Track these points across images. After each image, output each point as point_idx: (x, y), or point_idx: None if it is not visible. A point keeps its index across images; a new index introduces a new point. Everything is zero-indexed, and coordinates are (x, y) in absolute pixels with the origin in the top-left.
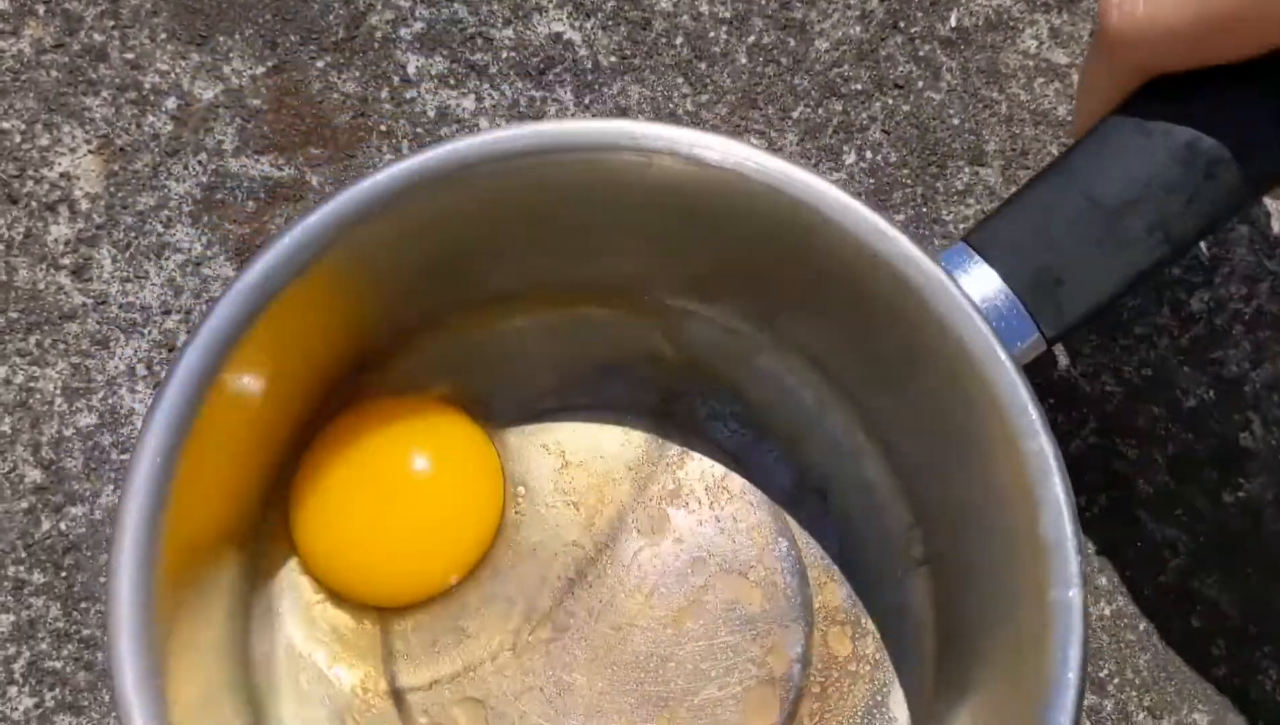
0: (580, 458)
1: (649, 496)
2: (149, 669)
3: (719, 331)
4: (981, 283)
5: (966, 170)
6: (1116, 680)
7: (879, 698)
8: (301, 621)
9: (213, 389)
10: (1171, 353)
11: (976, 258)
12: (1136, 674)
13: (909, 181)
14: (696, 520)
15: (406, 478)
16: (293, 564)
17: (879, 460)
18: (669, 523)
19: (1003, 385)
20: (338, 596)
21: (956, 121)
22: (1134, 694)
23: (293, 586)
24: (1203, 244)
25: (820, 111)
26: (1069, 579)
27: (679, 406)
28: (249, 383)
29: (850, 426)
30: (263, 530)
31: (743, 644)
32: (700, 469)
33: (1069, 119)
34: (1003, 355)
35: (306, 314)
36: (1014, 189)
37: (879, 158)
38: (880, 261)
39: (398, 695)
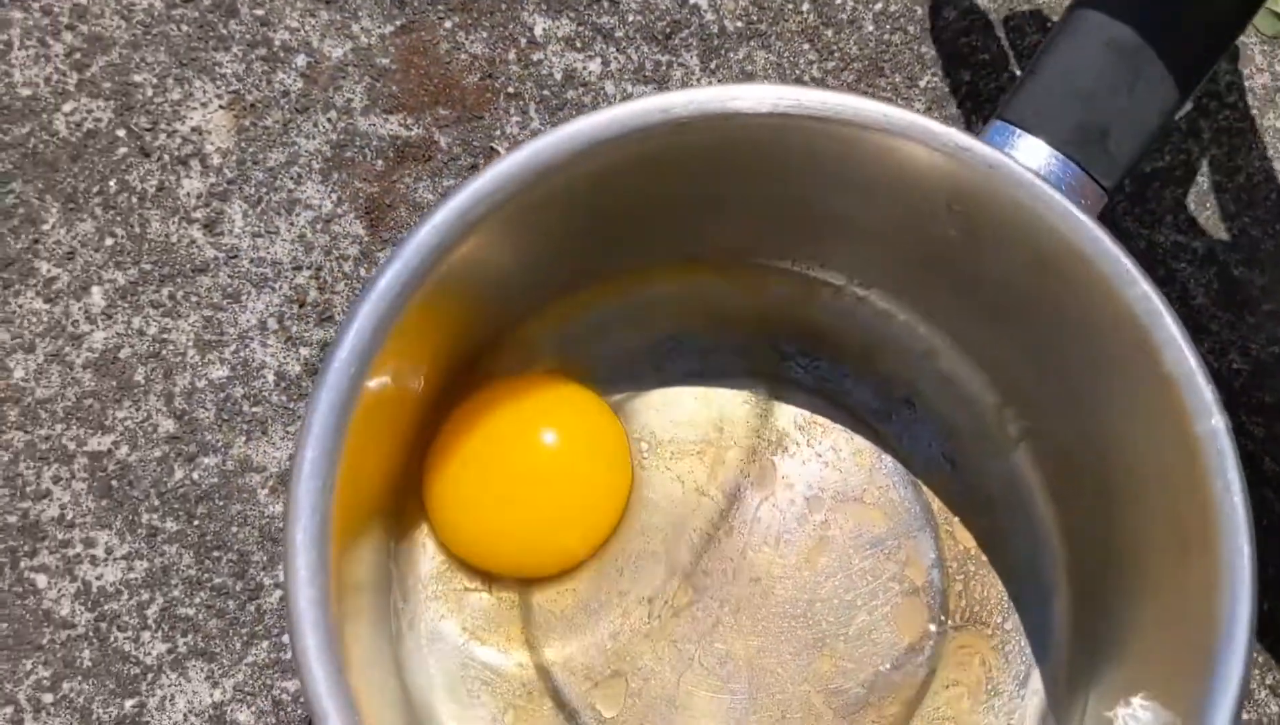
0: (684, 420)
1: (753, 450)
2: (328, 637)
3: (800, 282)
4: (1032, 153)
5: None
6: None
7: (1024, 568)
8: (442, 601)
9: (383, 350)
10: None
11: (1019, 131)
12: (1260, 653)
13: None
14: (800, 462)
15: (539, 451)
16: (431, 546)
17: (953, 353)
18: (776, 471)
19: (1086, 241)
20: (476, 573)
21: None
22: (1256, 673)
23: (434, 568)
24: None
25: (948, 81)
26: (1209, 409)
27: (761, 358)
28: (411, 346)
29: (916, 327)
30: (403, 510)
31: (878, 565)
32: (791, 413)
33: (1198, 93)
34: (1079, 213)
35: (463, 278)
36: (1144, 165)
37: None
38: (938, 153)
39: (543, 671)
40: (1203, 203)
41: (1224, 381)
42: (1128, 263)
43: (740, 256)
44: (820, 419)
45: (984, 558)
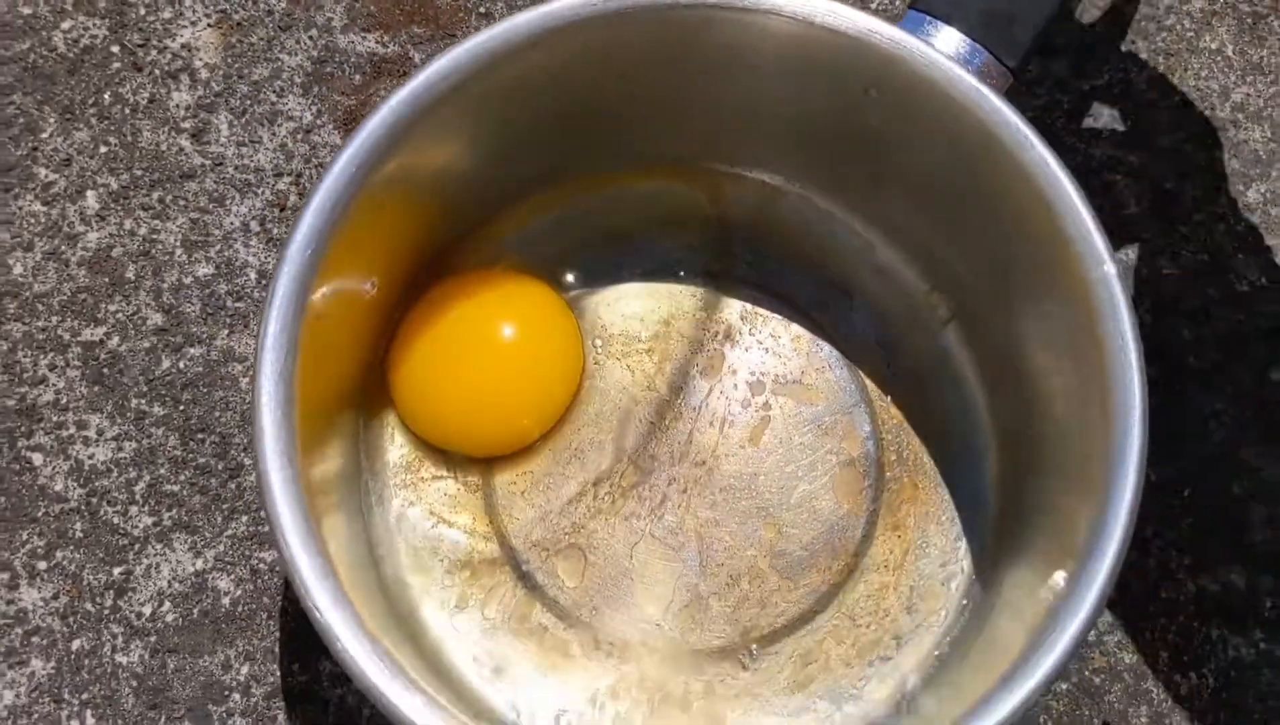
0: (635, 315)
1: (700, 342)
2: (300, 507)
3: (747, 184)
4: (944, 40)
5: (1035, 62)
6: (1159, 541)
7: (955, 439)
8: (410, 489)
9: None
10: (1228, 240)
11: (930, 19)
12: (1180, 534)
13: None
14: (743, 349)
15: (495, 337)
16: (399, 437)
17: (886, 246)
18: (724, 360)
19: (989, 112)
20: (440, 459)
21: None
22: (1174, 553)
23: (401, 458)
24: (1260, 134)
25: None
26: (1100, 256)
27: (711, 257)
28: (370, 233)
29: (853, 222)
30: (370, 398)
31: (817, 440)
32: (737, 307)
33: (1138, 17)
34: (983, 87)
35: (421, 168)
36: (1083, 82)
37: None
38: (851, 38)
39: (505, 546)
40: (1139, 119)
41: (1154, 287)
42: (1027, 130)
43: (691, 161)
44: (762, 310)
45: (915, 430)
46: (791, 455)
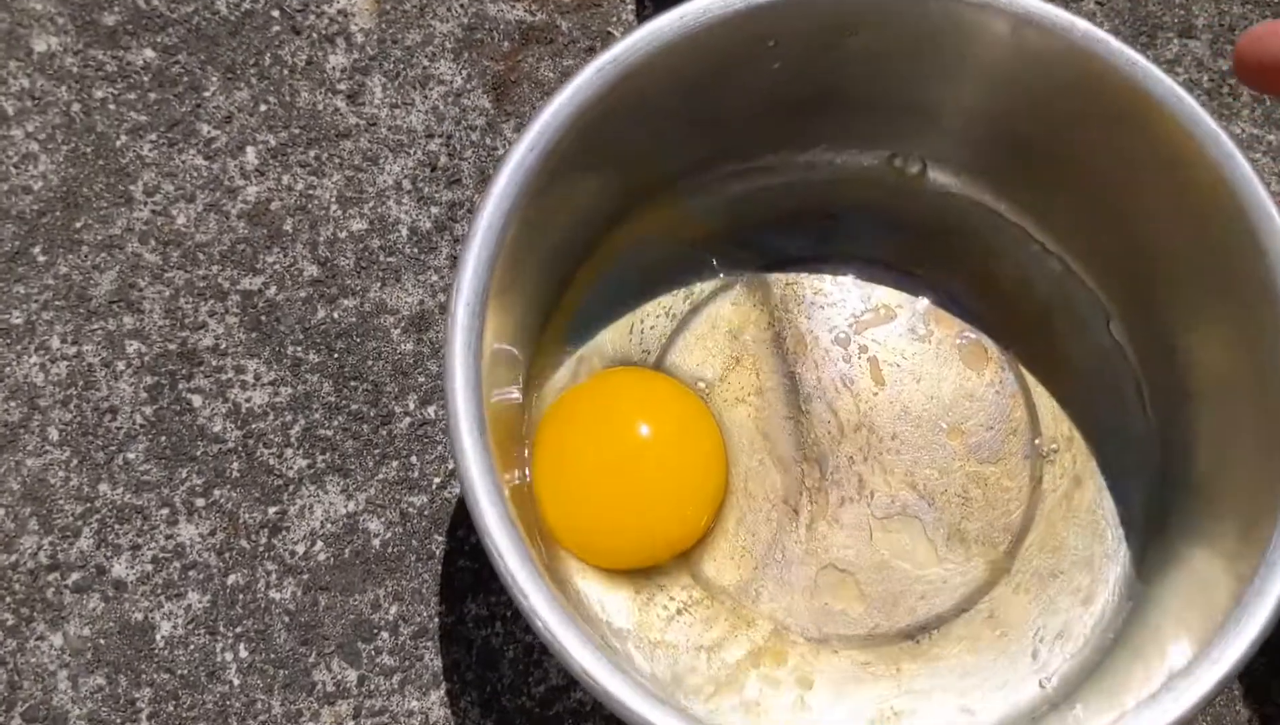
0: (711, 350)
1: (774, 332)
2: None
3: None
4: None
5: (1176, 42)
6: None
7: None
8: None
9: (537, 181)
10: None
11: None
12: None
13: None
14: (806, 316)
15: (641, 452)
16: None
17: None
18: (800, 333)
19: (1195, 125)
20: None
21: None
22: None
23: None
24: None
25: None
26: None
27: (721, 255)
28: (559, 178)
29: (999, 208)
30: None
31: (919, 344)
32: (775, 284)
33: None
34: (1188, 97)
35: (605, 132)
36: (1222, 62)
37: None
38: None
39: (776, 627)
40: (1278, 99)
41: None
42: (1234, 149)
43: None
44: (803, 277)
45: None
46: (914, 368)
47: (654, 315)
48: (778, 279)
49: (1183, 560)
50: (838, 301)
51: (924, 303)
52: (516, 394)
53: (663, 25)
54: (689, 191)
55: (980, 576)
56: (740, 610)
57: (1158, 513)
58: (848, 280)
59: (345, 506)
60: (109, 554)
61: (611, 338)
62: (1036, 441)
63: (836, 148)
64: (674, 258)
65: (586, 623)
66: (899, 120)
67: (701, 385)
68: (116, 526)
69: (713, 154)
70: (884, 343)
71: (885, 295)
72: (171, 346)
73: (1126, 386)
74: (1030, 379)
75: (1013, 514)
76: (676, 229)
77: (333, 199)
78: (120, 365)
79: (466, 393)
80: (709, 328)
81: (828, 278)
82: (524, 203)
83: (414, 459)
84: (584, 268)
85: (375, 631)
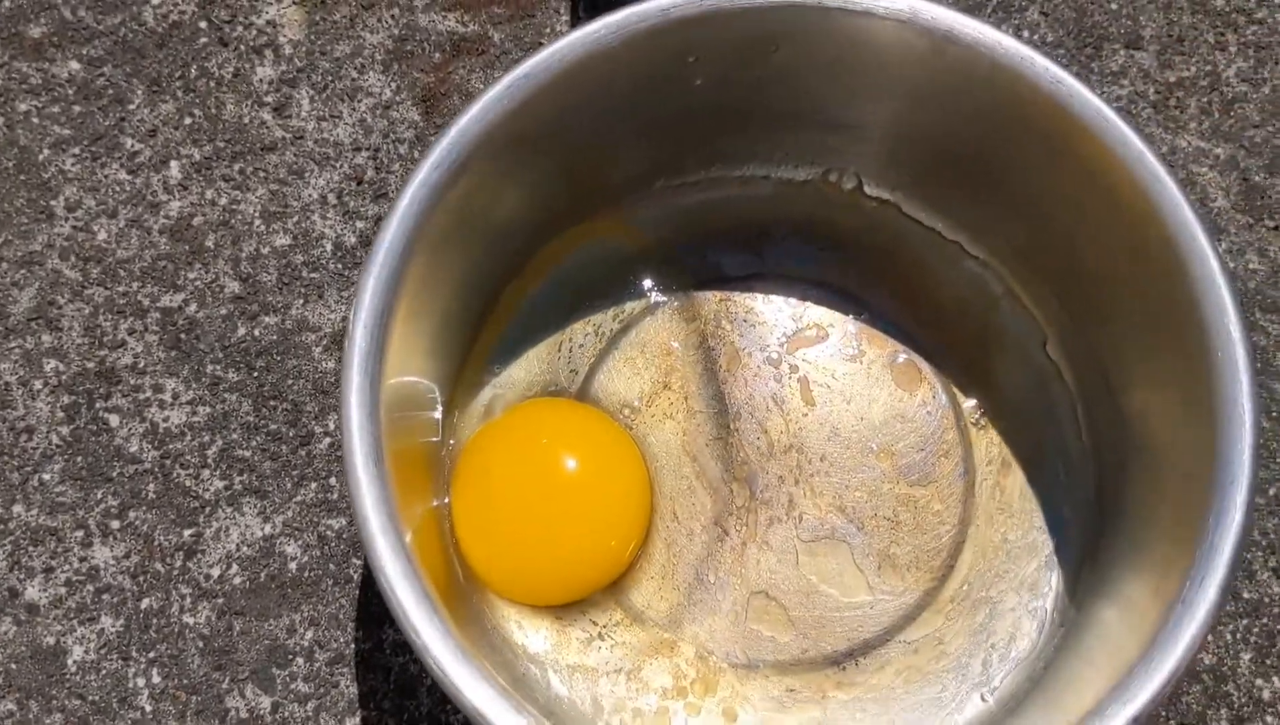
0: (640, 366)
1: (705, 349)
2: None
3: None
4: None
5: (1122, 53)
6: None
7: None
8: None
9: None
10: None
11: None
12: (1265, 534)
13: (1064, 62)
14: (739, 333)
15: (561, 484)
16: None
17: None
18: (735, 349)
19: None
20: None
21: (1115, 6)
22: (1260, 553)
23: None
24: None
25: None
26: (1214, 279)
27: (654, 271)
28: (475, 193)
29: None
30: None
31: (850, 363)
32: (708, 301)
33: (1227, 8)
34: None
35: (523, 149)
36: (1169, 74)
37: (1036, 38)
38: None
39: (700, 651)
40: (1226, 112)
41: (1240, 282)
42: (1155, 162)
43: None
44: (735, 296)
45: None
46: (845, 389)
47: (583, 334)
48: (709, 297)
49: (1114, 584)
50: (770, 320)
51: (857, 322)
52: (432, 418)
53: (575, 41)
54: (618, 209)
55: (910, 602)
56: (665, 636)
57: (1091, 537)
58: (780, 299)
59: (262, 529)
60: (22, 577)
61: (539, 357)
62: (968, 464)
63: (769, 164)
64: (604, 276)
65: (502, 648)
66: (830, 137)
67: (627, 412)
68: (30, 548)
69: (641, 171)
70: (815, 362)
71: (818, 314)
72: (90, 365)
73: (1062, 408)
74: (963, 402)
75: (944, 538)
76: (606, 246)
77: (256, 214)
78: (38, 384)
79: (362, 418)
80: (638, 348)
81: (760, 296)
82: (431, 222)
83: (333, 481)
84: (509, 288)
85: (290, 657)
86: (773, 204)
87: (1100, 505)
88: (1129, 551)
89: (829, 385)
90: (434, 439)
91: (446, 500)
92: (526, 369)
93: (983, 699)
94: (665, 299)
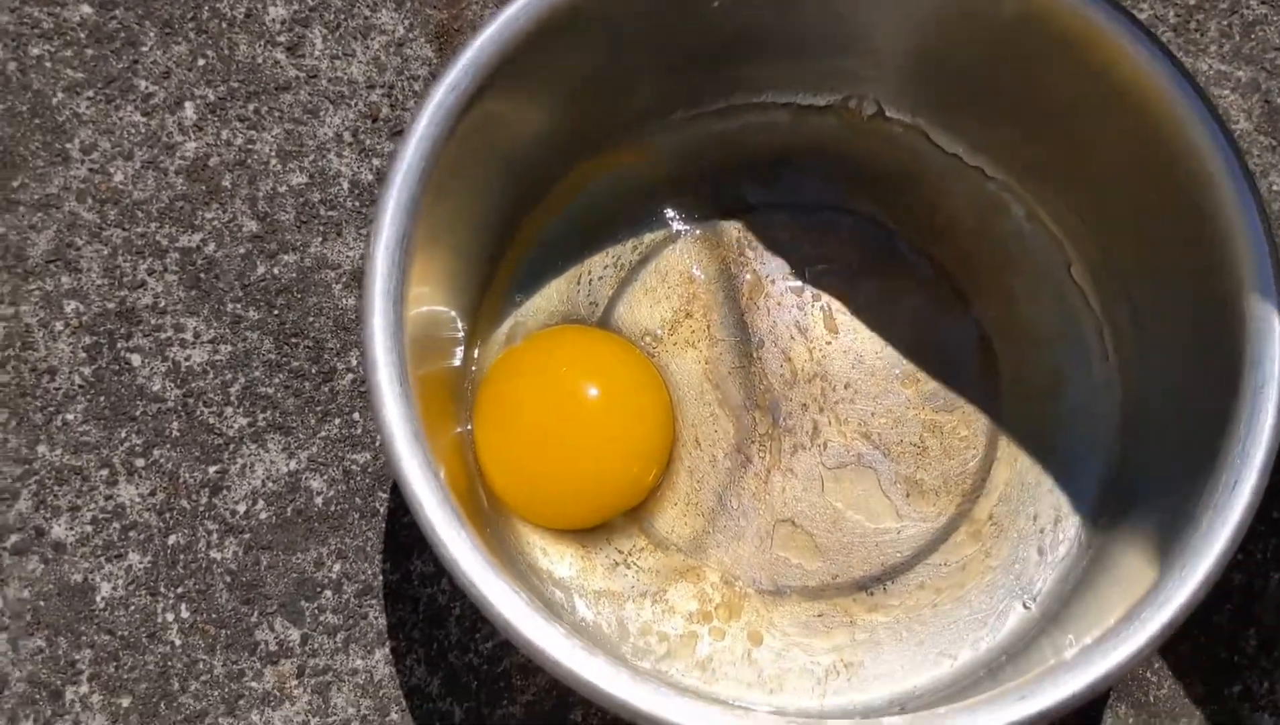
0: (663, 295)
1: (729, 276)
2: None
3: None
4: None
5: None
6: None
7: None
8: (572, 588)
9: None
10: None
11: None
12: None
13: None
14: (762, 261)
15: (584, 410)
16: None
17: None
18: (760, 277)
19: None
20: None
21: None
22: None
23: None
24: None
25: None
26: (1253, 219)
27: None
28: (492, 120)
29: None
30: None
31: (873, 288)
32: (731, 230)
33: None
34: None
35: (541, 73)
36: None
37: None
38: None
39: (727, 578)
40: (1247, 35)
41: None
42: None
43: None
44: (757, 224)
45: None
46: (868, 316)
47: (602, 265)
48: (731, 226)
49: (1145, 496)
50: (791, 249)
51: (880, 248)
52: (455, 346)
53: None
54: (639, 137)
55: (939, 526)
56: (689, 562)
57: (1119, 454)
58: (802, 226)
59: (287, 465)
60: (48, 516)
61: (559, 288)
62: (994, 388)
63: (788, 91)
64: (624, 206)
65: (528, 574)
66: (849, 61)
67: (648, 340)
68: (55, 488)
69: (660, 99)
70: (839, 289)
71: (841, 241)
72: (110, 306)
73: (1088, 332)
74: (989, 324)
75: (970, 463)
76: (626, 176)
77: (272, 153)
78: (58, 325)
79: (385, 338)
80: (659, 277)
81: (782, 224)
82: (448, 148)
83: (356, 416)
84: (529, 217)
85: (318, 590)
86: (793, 131)
87: (1126, 424)
88: (1158, 464)
89: (853, 312)
90: (456, 365)
91: (469, 427)
92: (547, 299)
93: (1025, 606)
94: (686, 228)
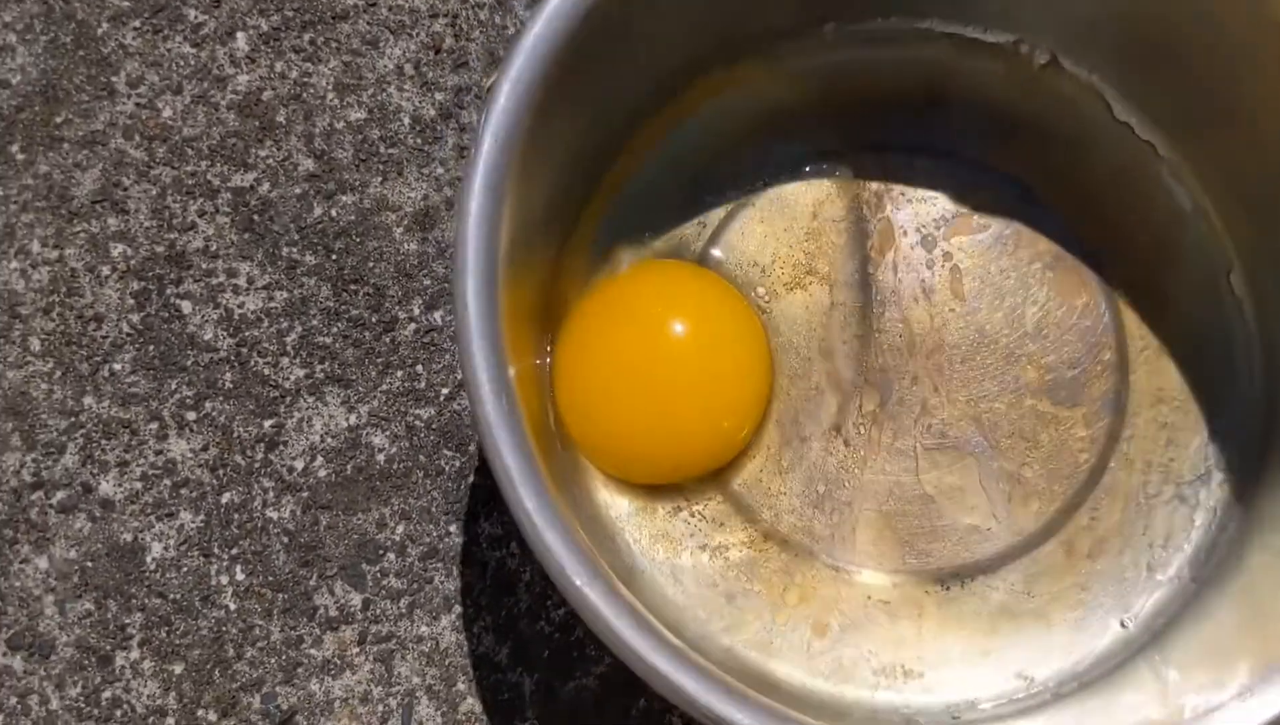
0: (780, 227)
1: (860, 223)
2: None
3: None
4: None
5: None
6: None
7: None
8: (643, 534)
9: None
10: None
11: None
12: None
13: None
14: (896, 208)
15: (675, 356)
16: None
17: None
18: (891, 228)
19: None
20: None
21: None
22: None
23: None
24: None
25: None
26: None
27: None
28: (615, 19)
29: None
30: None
31: (1010, 259)
32: (871, 172)
33: None
34: None
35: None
36: None
37: None
38: None
39: (798, 551)
40: None
41: None
42: None
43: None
44: (896, 167)
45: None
46: (1000, 286)
47: (718, 189)
48: (866, 163)
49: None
50: (927, 199)
51: (1024, 215)
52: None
53: None
54: (778, 53)
55: (1032, 530)
56: (761, 531)
57: (1253, 484)
58: (946, 177)
59: (346, 419)
60: (95, 471)
61: (667, 208)
62: (1123, 392)
63: (958, 20)
64: (752, 128)
65: (592, 516)
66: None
67: (756, 279)
68: (103, 442)
69: (809, 10)
70: (972, 253)
71: (983, 200)
72: (159, 249)
73: (1236, 346)
74: (1130, 321)
75: (1081, 468)
76: (759, 95)
77: (329, 87)
78: (105, 270)
79: (479, 242)
80: (778, 209)
81: (924, 171)
82: (569, 44)
83: (420, 368)
84: (647, 127)
85: (381, 553)
86: (952, 70)
87: (1266, 451)
88: None
89: (983, 279)
90: (542, 289)
91: (549, 361)
92: (655, 218)
93: (1123, 625)
94: (816, 162)
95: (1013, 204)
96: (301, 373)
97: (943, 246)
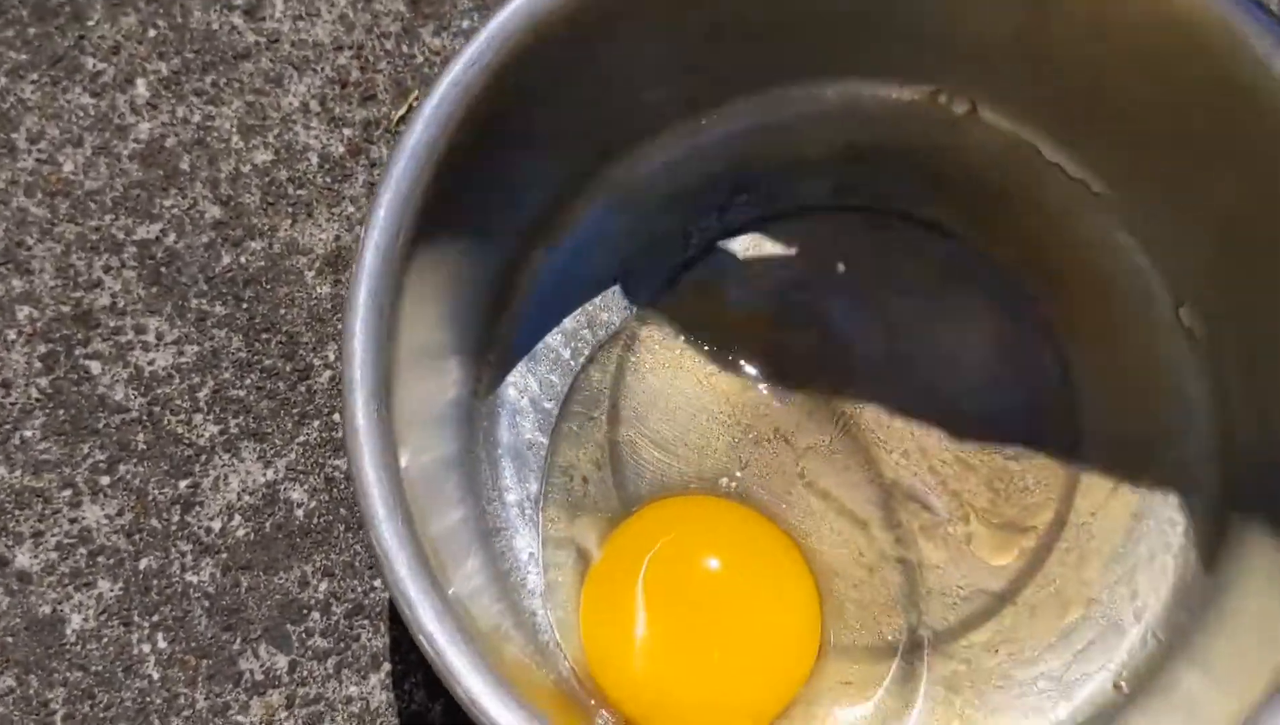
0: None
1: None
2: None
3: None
4: None
5: None
6: None
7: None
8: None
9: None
10: None
11: None
12: None
13: None
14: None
15: (737, 618)
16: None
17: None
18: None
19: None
20: None
21: None
22: None
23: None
24: None
25: None
26: None
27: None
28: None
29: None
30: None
31: None
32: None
33: None
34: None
35: (579, 49)
36: None
37: None
38: None
39: None
40: None
41: None
42: None
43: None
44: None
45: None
46: (941, 344)
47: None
48: (783, 229)
49: (1235, 597)
50: (852, 254)
51: (961, 270)
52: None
53: None
54: (689, 127)
55: (993, 590)
56: None
57: (1214, 535)
58: (871, 233)
59: (264, 475)
60: (10, 543)
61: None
62: (1076, 438)
63: (873, 79)
64: (670, 199)
65: None
66: (946, 49)
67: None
68: (16, 512)
69: (719, 81)
70: (909, 309)
71: (913, 256)
72: (65, 309)
73: (1190, 384)
74: (1078, 367)
75: (1037, 524)
76: (676, 161)
77: (233, 129)
78: (11, 334)
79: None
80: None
81: (843, 225)
82: (462, 134)
83: (336, 417)
84: (563, 211)
85: (305, 612)
86: (869, 127)
87: (1227, 493)
88: (1260, 547)
89: (920, 333)
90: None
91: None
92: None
93: (1115, 687)
94: (734, 235)
95: (949, 259)
96: (215, 429)
97: (876, 303)
